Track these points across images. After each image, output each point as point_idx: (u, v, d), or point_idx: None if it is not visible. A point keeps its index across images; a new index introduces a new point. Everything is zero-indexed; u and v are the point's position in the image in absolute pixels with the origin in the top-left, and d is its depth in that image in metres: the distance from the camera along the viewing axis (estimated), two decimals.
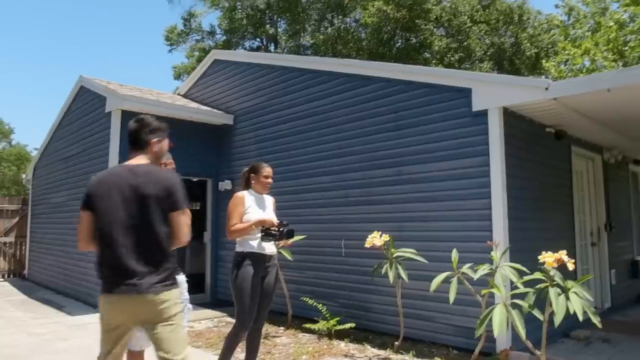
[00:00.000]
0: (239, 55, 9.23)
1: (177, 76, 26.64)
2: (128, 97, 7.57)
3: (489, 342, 4.61)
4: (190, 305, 3.58)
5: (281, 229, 3.94)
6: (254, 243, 3.98)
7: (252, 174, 4.21)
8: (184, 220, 2.65)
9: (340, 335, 5.81)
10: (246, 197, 4.09)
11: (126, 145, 7.81)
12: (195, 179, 8.66)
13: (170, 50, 25.55)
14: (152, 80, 69.21)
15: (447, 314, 5.22)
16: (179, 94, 10.05)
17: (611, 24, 18.97)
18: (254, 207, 4.07)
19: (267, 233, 3.94)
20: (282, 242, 4.11)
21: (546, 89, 4.74)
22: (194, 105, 8.84)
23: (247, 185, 4.23)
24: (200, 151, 8.54)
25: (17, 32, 70.07)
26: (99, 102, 8.17)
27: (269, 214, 4.15)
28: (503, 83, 5.16)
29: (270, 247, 4.06)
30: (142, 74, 68.76)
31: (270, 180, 4.24)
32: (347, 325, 5.83)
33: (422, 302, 5.41)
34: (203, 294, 8.51)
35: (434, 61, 18.61)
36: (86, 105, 8.81)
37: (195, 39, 25.62)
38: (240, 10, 22.63)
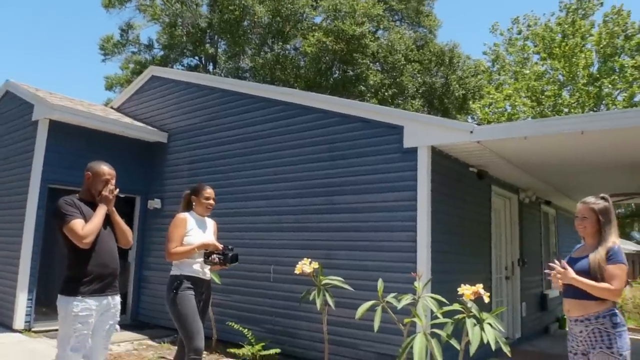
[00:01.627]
0: (178, 74, 9.17)
1: (109, 87, 25.83)
2: (58, 107, 7.29)
3: None
4: (118, 327, 3.52)
5: (226, 253, 3.91)
6: (195, 266, 3.92)
7: (194, 196, 4.16)
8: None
9: None
10: (188, 219, 4.03)
11: (52, 156, 7.53)
12: (122, 196, 8.39)
13: (104, 60, 24.76)
14: (81, 88, 66.31)
15: (371, 342, 5.38)
16: (111, 107, 9.79)
17: (527, 72, 20.54)
18: (196, 230, 4.01)
19: (210, 257, 3.89)
20: (219, 267, 4.06)
21: (471, 132, 5.11)
22: (127, 120, 8.64)
23: (187, 207, 4.18)
24: (131, 167, 8.31)
25: None
26: (25, 109, 7.80)
27: (210, 237, 4.11)
28: (433, 124, 5.50)
29: (207, 271, 4.03)
30: (71, 82, 65.73)
31: (211, 202, 4.19)
32: (272, 351, 5.84)
33: (348, 330, 5.54)
34: (124, 315, 8.14)
35: (368, 94, 19.31)
36: (11, 111, 8.37)
37: (132, 51, 25.04)
38: (180, 27, 22.42)
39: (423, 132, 5.42)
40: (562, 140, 5.03)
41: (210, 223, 4.27)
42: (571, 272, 3.17)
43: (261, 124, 6.99)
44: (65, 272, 3.27)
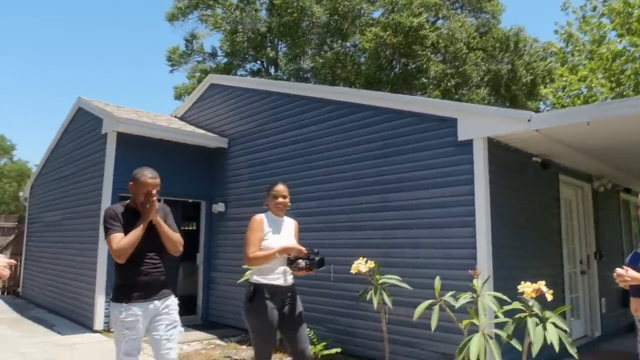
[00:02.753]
0: (235, 80, 9.39)
1: (178, 96, 26.94)
2: (124, 120, 7.70)
3: None
4: (181, 328, 3.54)
5: (312, 257, 3.59)
6: (274, 274, 3.67)
7: (268, 195, 3.88)
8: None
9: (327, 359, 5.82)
10: (265, 221, 3.78)
11: (121, 167, 7.95)
12: (190, 201, 8.75)
13: (171, 71, 25.88)
14: (154, 99, 69.79)
15: (431, 341, 5.24)
16: (175, 117, 10.20)
17: (604, 52, 19.20)
18: (273, 232, 3.75)
19: (295, 263, 3.61)
20: (305, 272, 3.72)
21: (529, 120, 4.84)
22: (190, 128, 8.97)
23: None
24: (195, 174, 8.64)
25: (21, 49, 70.99)
26: (95, 124, 8.30)
27: (289, 239, 3.83)
28: (487, 114, 5.27)
29: (289, 278, 3.77)
30: (144, 94, 69.38)
31: (281, 200, 3.84)
32: (334, 350, 5.85)
33: (408, 329, 5.43)
34: (195, 315, 8.51)
35: (430, 86, 18.87)
36: (83, 126, 8.95)
37: (197, 60, 25.98)
38: (241, 34, 22.98)
39: (477, 123, 5.20)
40: (629, 123, 4.65)
41: (290, 223, 3.98)
42: (633, 273, 2.90)
43: (315, 125, 7.01)
44: (114, 279, 3.43)
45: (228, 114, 8.76)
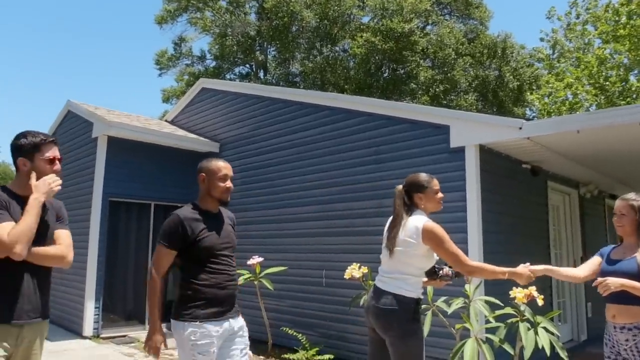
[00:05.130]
0: (227, 84, 9.40)
1: (166, 99, 26.78)
2: (115, 124, 7.66)
3: None
4: (250, 353, 3.01)
5: (449, 266, 3.10)
6: (421, 287, 3.05)
7: (418, 193, 3.14)
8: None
9: None
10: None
11: (111, 171, 7.88)
12: (180, 205, 8.70)
13: (160, 74, 25.74)
14: (141, 102, 69.33)
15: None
16: (166, 120, 10.16)
17: (591, 59, 19.53)
18: None
19: (443, 270, 3.15)
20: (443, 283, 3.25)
21: (520, 128, 4.93)
22: (181, 132, 8.95)
23: (410, 207, 3.14)
24: (186, 178, 8.60)
25: (8, 50, 70.14)
26: (85, 127, 8.25)
27: None
28: (479, 121, 5.35)
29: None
30: (131, 96, 68.92)
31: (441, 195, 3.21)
32: (326, 356, 5.87)
33: None
34: None
35: (419, 92, 19.02)
36: (73, 129, 8.88)
37: (185, 64, 25.86)
38: (230, 37, 22.95)
39: (469, 130, 5.28)
40: (618, 132, 4.76)
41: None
42: (613, 280, 2.95)
43: (308, 130, 7.04)
44: (177, 291, 2.85)
45: (219, 118, 8.75)
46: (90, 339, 7.19)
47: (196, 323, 2.70)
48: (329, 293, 6.39)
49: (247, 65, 25.30)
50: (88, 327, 7.25)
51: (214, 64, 25.03)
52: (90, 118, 8.11)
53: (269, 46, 24.21)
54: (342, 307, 6.09)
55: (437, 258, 3.08)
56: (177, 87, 25.74)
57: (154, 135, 8.13)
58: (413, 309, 2.90)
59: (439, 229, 2.93)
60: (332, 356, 5.92)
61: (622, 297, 2.98)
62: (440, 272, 3.17)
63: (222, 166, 2.96)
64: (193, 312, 2.71)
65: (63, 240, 2.52)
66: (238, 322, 2.91)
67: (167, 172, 8.33)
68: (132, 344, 6.99)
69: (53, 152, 2.46)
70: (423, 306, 4.43)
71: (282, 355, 6.17)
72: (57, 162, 2.48)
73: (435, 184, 3.20)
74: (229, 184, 2.96)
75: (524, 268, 3.28)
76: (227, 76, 24.63)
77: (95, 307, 7.34)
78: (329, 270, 6.39)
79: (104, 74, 73.56)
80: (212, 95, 9.06)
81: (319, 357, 5.86)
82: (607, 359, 3.21)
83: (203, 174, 2.95)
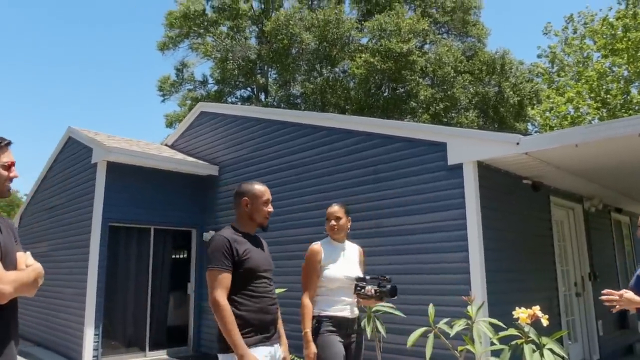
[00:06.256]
0: (225, 107, 9.43)
1: (169, 124, 26.94)
2: (113, 149, 7.66)
3: None
4: None
5: (382, 285, 3.28)
6: (339, 305, 3.35)
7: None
8: None
9: None
10: (321, 250, 3.43)
11: (111, 196, 7.85)
12: (181, 229, 8.66)
13: (163, 100, 25.93)
14: (145, 128, 69.88)
15: None
16: (166, 145, 10.18)
17: (591, 73, 19.55)
18: (331, 261, 3.40)
19: (364, 289, 3.29)
20: (373, 302, 3.43)
21: (517, 144, 4.87)
22: (180, 156, 8.94)
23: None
24: (186, 201, 8.58)
25: (10, 76, 71.16)
26: (85, 153, 8.26)
27: (351, 269, 3.46)
28: (476, 137, 5.30)
29: (355, 310, 3.45)
30: (135, 123, 69.53)
31: (334, 223, 3.48)
32: None
33: (402, 357, 5.35)
34: (186, 346, 8.35)
35: (420, 110, 19.04)
36: (73, 155, 8.89)
37: (188, 88, 26.08)
38: (231, 61, 23.17)
39: (467, 147, 5.23)
40: (617, 144, 4.69)
41: (353, 250, 3.63)
42: (630, 295, 2.87)
43: (306, 151, 7.01)
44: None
45: (219, 141, 8.75)
46: None
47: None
48: None
49: (249, 88, 25.48)
50: (88, 354, 7.13)
51: (215, 87, 25.24)
52: (89, 144, 8.12)
53: (269, 69, 24.40)
54: None
55: (352, 276, 3.37)
56: (180, 112, 25.91)
57: (153, 160, 8.12)
58: (314, 324, 3.30)
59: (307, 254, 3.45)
60: None
61: None
62: (361, 290, 3.32)
63: (265, 190, 2.91)
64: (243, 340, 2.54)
65: (23, 263, 2.22)
66: (279, 351, 2.80)
67: (167, 196, 8.30)
68: None
69: (9, 156, 2.13)
70: (423, 329, 4.34)
71: None
72: (14, 167, 2.16)
73: (330, 211, 3.59)
74: (271, 208, 2.92)
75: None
76: (229, 99, 24.80)
77: (95, 334, 7.23)
78: None
79: (110, 103, 74.41)
80: (210, 118, 9.08)
81: None
82: None
83: (246, 198, 2.84)
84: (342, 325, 3.32)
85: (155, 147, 9.69)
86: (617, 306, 2.94)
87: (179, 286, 8.63)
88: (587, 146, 4.67)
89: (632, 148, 4.89)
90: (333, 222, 3.48)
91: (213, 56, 24.09)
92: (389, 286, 3.30)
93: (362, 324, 4.86)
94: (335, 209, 3.54)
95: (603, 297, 2.96)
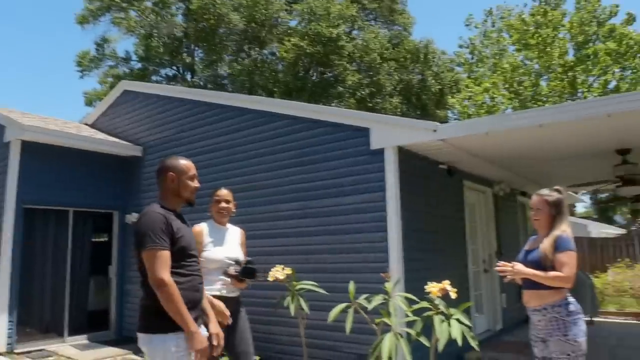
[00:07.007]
0: (148, 87, 9.18)
1: (89, 103, 25.67)
2: (28, 128, 7.28)
3: None
4: None
5: (243, 267, 3.45)
6: (215, 284, 3.48)
7: (212, 200, 3.67)
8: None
9: None
10: (205, 231, 3.62)
11: (26, 177, 7.46)
12: (102, 211, 8.41)
13: (81, 76, 24.61)
14: (63, 106, 65.74)
15: (346, 343, 5.44)
16: (85, 124, 9.77)
17: (506, 65, 20.77)
18: (215, 243, 3.56)
19: (227, 270, 3.48)
20: (238, 284, 3.57)
21: (434, 131, 5.19)
22: (101, 136, 8.64)
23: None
24: (107, 183, 8.33)
25: None
26: None
27: (234, 250, 3.65)
28: (397, 124, 5.58)
29: (234, 288, 3.62)
30: (52, 100, 65.20)
31: (224, 205, 3.69)
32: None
33: (326, 332, 5.59)
34: (107, 330, 8.18)
35: (347, 95, 19.42)
36: None
37: (109, 65, 24.91)
38: (156, 38, 22.36)
39: (388, 133, 5.50)
40: (523, 134, 5.13)
41: (236, 232, 3.81)
42: (519, 267, 3.25)
43: (233, 133, 7.03)
44: (146, 302, 2.58)
45: (143, 121, 8.54)
46: (3, 354, 6.77)
47: (179, 333, 2.47)
48: (254, 295, 6.37)
49: (174, 67, 24.73)
50: (1, 342, 6.83)
51: (139, 65, 24.29)
52: (1, 121, 7.65)
53: (196, 48, 23.80)
54: (267, 309, 6.11)
55: (233, 257, 3.53)
56: (100, 90, 24.73)
57: (71, 139, 7.80)
58: None
59: None
60: (258, 357, 5.93)
61: (531, 284, 3.26)
62: (225, 272, 3.52)
63: (191, 165, 2.85)
64: (171, 320, 2.47)
65: None
66: (204, 330, 2.74)
67: (86, 178, 8.02)
68: (50, 358, 6.67)
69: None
70: (344, 304, 4.59)
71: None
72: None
73: (220, 194, 3.83)
74: (197, 183, 2.87)
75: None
76: (153, 78, 23.97)
77: (10, 322, 6.92)
78: (258, 272, 6.40)
79: (22, 77, 69.14)
80: (134, 97, 8.82)
81: None
82: (532, 341, 3.46)
83: (172, 174, 2.76)
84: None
85: (74, 125, 9.29)
86: (509, 276, 3.32)
87: (100, 270, 8.41)
88: (495, 135, 5.08)
89: (534, 138, 5.37)
90: (224, 205, 3.68)
91: (137, 32, 23.13)
92: (244, 267, 3.51)
93: (286, 302, 5.06)
94: (225, 192, 3.74)
95: (497, 268, 3.32)
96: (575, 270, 3.20)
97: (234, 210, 3.82)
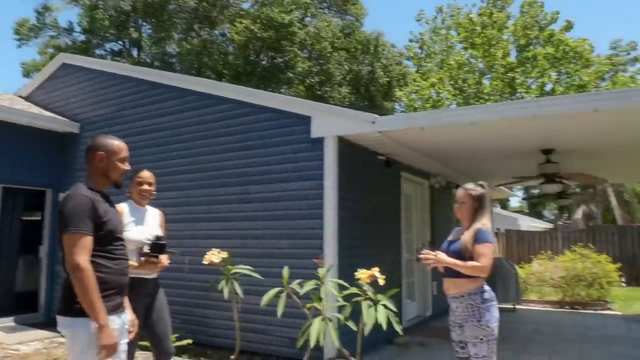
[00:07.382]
0: (90, 61, 8.84)
1: (27, 74, 24.39)
2: None
3: (316, 351, 5.01)
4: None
5: (156, 242, 3.47)
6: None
7: (132, 182, 3.68)
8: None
9: (179, 351, 5.84)
10: (126, 210, 3.59)
11: None
12: (34, 189, 8.10)
13: (19, 46, 23.31)
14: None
15: (279, 327, 5.56)
16: (19, 96, 9.32)
17: (452, 62, 21.38)
18: (136, 223, 3.56)
19: (140, 251, 3.50)
20: (150, 264, 3.53)
21: (373, 122, 5.34)
22: (36, 110, 8.29)
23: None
24: (41, 160, 8.01)
25: None
26: None
27: (153, 231, 3.66)
28: (337, 114, 5.68)
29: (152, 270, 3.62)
30: None
31: (146, 187, 3.70)
32: (185, 342, 5.89)
33: (258, 316, 5.68)
34: (36, 313, 7.92)
35: (296, 82, 19.43)
36: None
37: (50, 35, 23.72)
38: (102, 10, 21.47)
39: (329, 122, 5.60)
40: (457, 130, 5.37)
41: (155, 213, 3.82)
42: (441, 256, 3.46)
43: (175, 114, 6.93)
44: (69, 283, 2.45)
45: (82, 97, 8.24)
46: None
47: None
48: (190, 279, 6.40)
49: (120, 42, 23.86)
50: None
51: (82, 37, 23.26)
52: None
53: (144, 23, 23.04)
54: (202, 292, 6.15)
55: (140, 238, 3.53)
56: (39, 61, 23.52)
57: (3, 112, 7.43)
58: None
59: None
60: (190, 341, 5.97)
61: (451, 272, 3.46)
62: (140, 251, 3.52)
63: (124, 147, 2.73)
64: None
65: None
66: (127, 315, 2.72)
67: (18, 153, 7.68)
68: None
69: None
70: (277, 289, 4.69)
71: (139, 343, 6.07)
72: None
73: (143, 176, 3.80)
74: (128, 166, 2.76)
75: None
76: (97, 52, 23.05)
77: None
78: (194, 256, 6.38)
79: None
80: (74, 71, 8.49)
81: (178, 342, 5.85)
82: (450, 326, 3.67)
83: (102, 153, 2.63)
84: (140, 285, 3.48)
85: (7, 98, 8.85)
86: (432, 264, 3.52)
87: (30, 250, 8.13)
88: (431, 130, 5.29)
89: (467, 134, 5.63)
90: (146, 187, 3.70)
91: (81, 2, 22.10)
92: (154, 244, 3.52)
93: (220, 285, 5.09)
94: (148, 174, 3.74)
95: (421, 256, 3.52)
96: (492, 262, 3.42)
97: (154, 193, 3.83)
